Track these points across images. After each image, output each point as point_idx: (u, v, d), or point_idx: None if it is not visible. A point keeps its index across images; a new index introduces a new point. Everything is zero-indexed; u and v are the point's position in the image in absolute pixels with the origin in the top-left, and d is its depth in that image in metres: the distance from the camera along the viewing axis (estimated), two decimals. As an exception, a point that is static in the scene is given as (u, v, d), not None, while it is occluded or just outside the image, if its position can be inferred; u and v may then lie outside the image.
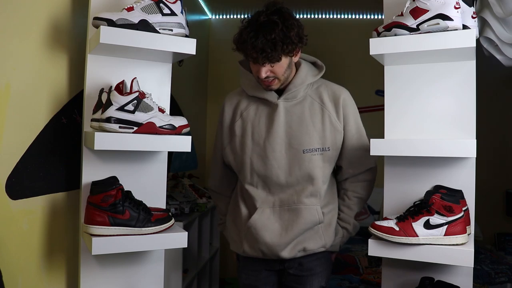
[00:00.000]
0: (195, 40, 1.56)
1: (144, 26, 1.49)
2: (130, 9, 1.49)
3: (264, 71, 1.60)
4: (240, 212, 1.76)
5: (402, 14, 1.49)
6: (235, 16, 4.37)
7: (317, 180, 1.69)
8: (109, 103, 1.43)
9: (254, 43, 1.54)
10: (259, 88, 1.71)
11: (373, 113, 3.97)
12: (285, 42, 1.56)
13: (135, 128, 1.46)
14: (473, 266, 1.43)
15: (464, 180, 1.56)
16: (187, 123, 1.58)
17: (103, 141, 1.43)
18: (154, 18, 1.50)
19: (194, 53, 1.56)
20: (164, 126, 1.51)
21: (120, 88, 1.49)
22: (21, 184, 1.54)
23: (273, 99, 1.70)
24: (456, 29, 1.41)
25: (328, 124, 1.71)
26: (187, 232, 1.59)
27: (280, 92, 1.71)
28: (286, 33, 1.55)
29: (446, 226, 1.40)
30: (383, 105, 1.67)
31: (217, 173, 1.89)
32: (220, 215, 1.95)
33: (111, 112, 1.43)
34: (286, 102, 1.70)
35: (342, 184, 1.82)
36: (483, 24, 1.83)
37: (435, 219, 1.41)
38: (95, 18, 1.47)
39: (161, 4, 1.51)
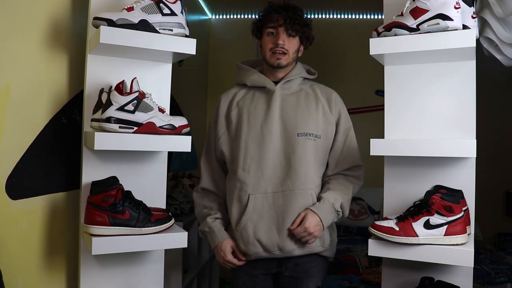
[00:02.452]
0: (195, 40, 1.57)
1: (144, 26, 1.49)
2: (130, 9, 1.49)
3: (282, 38, 1.74)
4: (231, 211, 1.75)
5: (402, 14, 1.49)
6: (235, 16, 4.36)
7: (310, 164, 1.71)
8: (109, 103, 1.43)
9: (283, 12, 1.74)
10: (259, 77, 1.81)
11: (373, 113, 3.98)
12: (305, 24, 1.78)
13: (135, 128, 1.46)
14: (473, 266, 1.43)
15: (464, 180, 1.56)
16: (187, 123, 1.58)
17: (103, 141, 1.43)
18: (154, 18, 1.50)
19: (194, 53, 1.57)
20: (164, 126, 1.51)
21: (120, 88, 1.49)
22: (21, 184, 1.54)
23: (270, 86, 1.79)
24: (456, 29, 1.41)
25: (321, 114, 1.78)
26: (187, 232, 1.59)
27: (277, 83, 1.80)
28: (307, 18, 1.80)
29: (446, 226, 1.40)
30: (383, 105, 1.67)
31: (210, 171, 1.87)
32: (215, 213, 1.80)
33: (111, 112, 1.43)
34: (282, 91, 1.79)
35: (327, 179, 1.81)
36: (483, 24, 1.83)
37: (435, 219, 1.41)
38: (95, 18, 1.47)
39: (161, 4, 1.51)
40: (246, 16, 4.33)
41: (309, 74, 1.87)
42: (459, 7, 1.41)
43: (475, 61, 1.56)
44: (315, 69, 1.90)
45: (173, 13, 1.53)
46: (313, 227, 1.65)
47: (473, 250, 1.39)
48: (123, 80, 1.51)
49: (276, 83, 1.79)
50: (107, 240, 1.45)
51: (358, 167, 1.83)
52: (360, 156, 1.83)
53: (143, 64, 1.69)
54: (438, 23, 1.42)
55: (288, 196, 1.69)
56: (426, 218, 1.42)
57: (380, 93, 3.92)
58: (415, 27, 1.46)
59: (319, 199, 1.72)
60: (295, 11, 1.76)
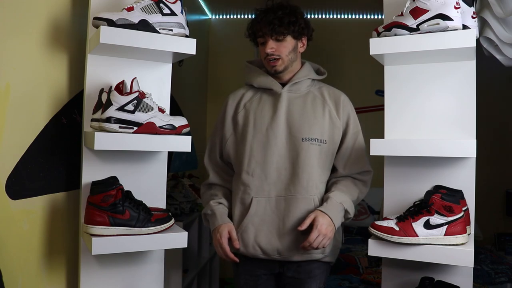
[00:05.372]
0: (195, 40, 1.57)
1: (144, 26, 1.49)
2: (130, 9, 1.49)
3: (270, 46, 1.71)
4: (234, 212, 1.76)
5: (402, 14, 1.49)
6: (235, 16, 4.36)
7: (313, 169, 1.70)
8: (109, 103, 1.43)
9: (263, 18, 1.71)
10: (266, 79, 1.78)
11: (373, 113, 3.98)
12: (292, 21, 1.70)
13: (135, 128, 1.46)
14: (473, 266, 1.43)
15: (464, 180, 1.56)
16: (187, 123, 1.58)
17: (103, 141, 1.43)
18: (154, 18, 1.50)
19: (194, 53, 1.57)
20: (164, 126, 1.51)
21: (120, 88, 1.49)
22: (21, 184, 1.54)
23: (277, 89, 1.76)
24: (456, 29, 1.41)
25: (327, 118, 1.75)
26: (187, 232, 1.59)
27: (285, 85, 1.78)
28: (292, 13, 1.71)
29: (446, 226, 1.40)
30: (383, 105, 1.67)
31: (214, 167, 1.86)
32: (219, 199, 1.79)
33: (111, 112, 1.43)
34: (289, 93, 1.77)
35: (334, 181, 1.78)
36: (483, 24, 1.83)
37: (435, 219, 1.41)
38: (95, 18, 1.47)
39: (161, 4, 1.51)
40: (246, 16, 4.32)
41: (319, 75, 1.84)
42: (459, 7, 1.41)
43: (475, 61, 1.56)
44: None
45: (173, 13, 1.53)
46: (325, 229, 1.60)
47: (473, 250, 1.39)
48: (123, 80, 1.51)
49: (284, 84, 1.78)
50: (107, 240, 1.45)
51: (367, 173, 1.79)
52: (369, 161, 1.78)
53: (143, 64, 1.68)
54: (438, 23, 1.42)
55: (290, 201, 1.68)
56: (426, 218, 1.42)
57: (380, 93, 3.92)
58: (415, 27, 1.46)
59: (326, 199, 1.68)
60: (275, 13, 1.69)
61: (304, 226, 1.60)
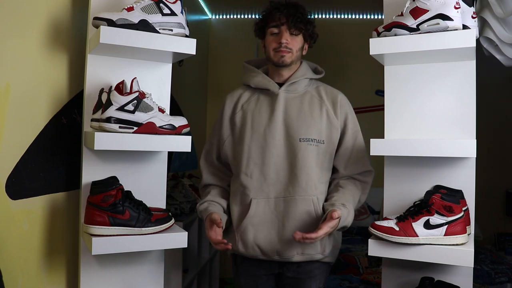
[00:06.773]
0: (195, 40, 1.57)
1: (144, 26, 1.49)
2: (130, 9, 1.49)
3: (285, 37, 1.71)
4: (233, 213, 1.76)
5: (402, 14, 1.49)
6: (235, 16, 4.36)
7: (312, 170, 1.69)
8: (109, 103, 1.43)
9: (286, 10, 1.72)
10: (263, 79, 1.78)
11: (373, 113, 3.98)
12: (309, 21, 1.76)
13: (135, 128, 1.46)
14: (473, 266, 1.43)
15: (464, 180, 1.56)
16: (187, 123, 1.58)
17: (103, 141, 1.43)
18: (154, 18, 1.51)
19: (194, 53, 1.57)
20: (164, 126, 1.51)
21: (120, 88, 1.49)
22: (21, 184, 1.54)
23: (274, 89, 1.75)
24: (456, 29, 1.41)
25: (325, 118, 1.74)
26: (187, 232, 1.59)
27: (281, 86, 1.77)
28: (308, 15, 1.77)
29: (446, 226, 1.40)
30: (383, 105, 1.67)
31: (209, 167, 1.86)
32: (207, 197, 1.79)
33: (111, 112, 1.43)
34: (286, 94, 1.76)
35: (337, 182, 1.77)
36: (483, 24, 1.83)
37: (435, 219, 1.41)
38: (95, 18, 1.47)
39: (161, 4, 1.51)
40: (246, 16, 4.32)
41: (316, 74, 1.83)
42: (459, 7, 1.42)
43: (475, 61, 1.56)
44: None
45: (173, 13, 1.53)
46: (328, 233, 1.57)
47: (473, 250, 1.39)
48: (123, 80, 1.51)
49: (281, 84, 1.77)
50: (107, 240, 1.46)
51: (368, 173, 1.78)
52: (369, 160, 1.77)
53: (143, 64, 1.69)
54: (438, 23, 1.42)
55: (289, 202, 1.68)
56: (426, 218, 1.42)
57: (380, 93, 3.92)
58: (415, 27, 1.46)
59: (339, 206, 1.62)
60: (297, 9, 1.73)
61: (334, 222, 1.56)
